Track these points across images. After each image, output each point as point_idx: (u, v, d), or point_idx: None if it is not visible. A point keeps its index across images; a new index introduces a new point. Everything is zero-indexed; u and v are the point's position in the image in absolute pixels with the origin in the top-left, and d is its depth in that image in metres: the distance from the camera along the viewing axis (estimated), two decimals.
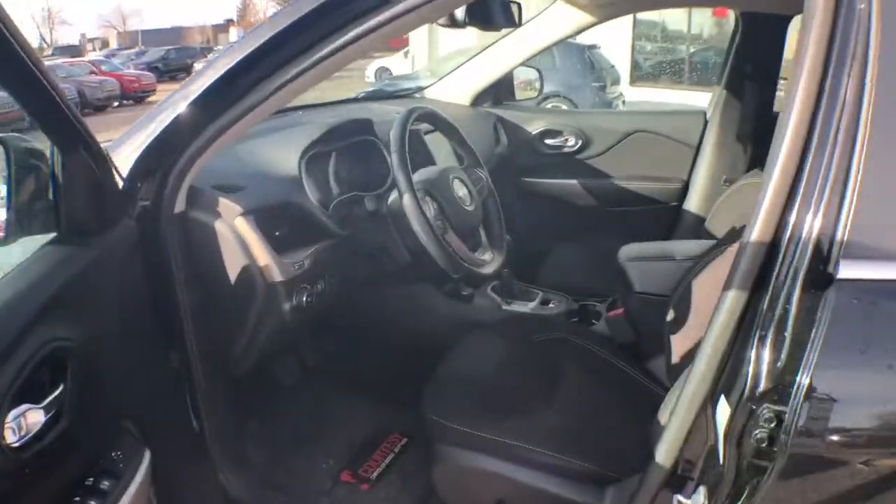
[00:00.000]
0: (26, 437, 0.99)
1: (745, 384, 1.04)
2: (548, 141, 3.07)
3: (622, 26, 13.62)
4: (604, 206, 3.03)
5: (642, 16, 14.24)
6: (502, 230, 2.03)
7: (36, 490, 1.05)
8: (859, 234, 1.01)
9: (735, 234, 1.83)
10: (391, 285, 2.17)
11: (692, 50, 14.82)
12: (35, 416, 1.00)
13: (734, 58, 2.76)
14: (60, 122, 1.10)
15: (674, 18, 15.08)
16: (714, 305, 1.67)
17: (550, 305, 2.31)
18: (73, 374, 1.08)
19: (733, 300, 1.12)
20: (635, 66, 14.65)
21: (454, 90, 3.07)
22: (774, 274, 1.06)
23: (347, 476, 1.97)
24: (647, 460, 1.28)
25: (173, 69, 28.76)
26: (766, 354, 1.03)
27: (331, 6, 1.28)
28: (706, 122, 2.90)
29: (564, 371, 1.80)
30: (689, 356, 1.71)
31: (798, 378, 0.96)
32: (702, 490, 1.16)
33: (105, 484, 1.12)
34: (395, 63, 25.41)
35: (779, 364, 1.02)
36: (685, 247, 2.08)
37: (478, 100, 3.07)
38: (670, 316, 1.82)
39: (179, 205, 1.47)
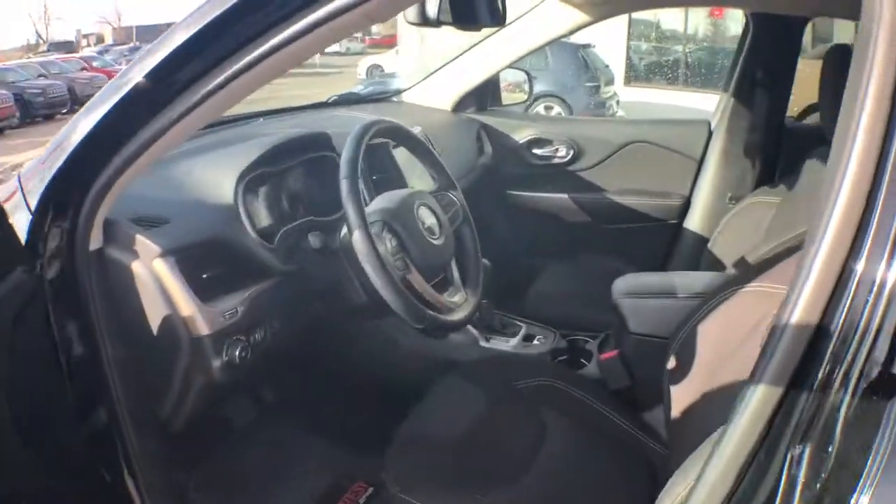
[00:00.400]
0: None
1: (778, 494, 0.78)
2: (536, 151, 2.80)
3: (617, 25, 13.34)
4: (597, 224, 2.76)
5: (637, 15, 13.94)
6: (479, 265, 1.74)
7: None
8: None
9: (748, 271, 1.57)
10: (346, 325, 1.91)
11: (688, 50, 14.57)
12: None
13: (743, 62, 2.51)
14: None
15: (669, 18, 14.82)
16: (721, 355, 1.42)
17: (535, 342, 2.04)
18: None
19: (761, 398, 0.84)
20: (630, 65, 14.38)
21: (435, 94, 2.80)
22: (820, 369, 0.79)
23: None
24: None
25: None
26: (802, 475, 0.76)
27: None
28: (710, 133, 2.64)
29: (550, 425, 1.56)
30: (692, 412, 1.48)
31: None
32: None
33: None
34: (388, 60, 25.20)
35: (818, 489, 0.75)
36: (689, 281, 1.81)
37: (460, 105, 2.81)
38: (671, 363, 1.57)
39: (95, 241, 1.22)
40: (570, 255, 2.72)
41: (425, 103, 2.81)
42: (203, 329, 1.34)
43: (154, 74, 1.06)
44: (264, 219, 1.57)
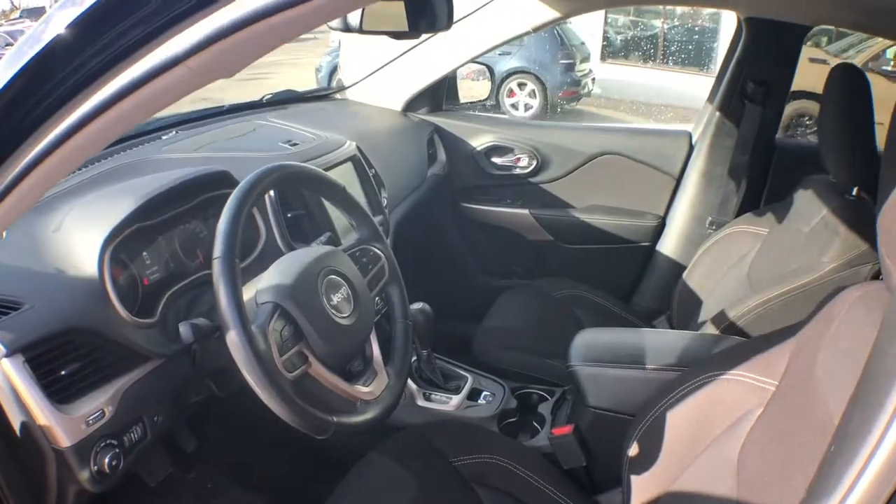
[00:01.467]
0: None
1: None
2: (495, 159, 2.50)
3: None
4: (560, 244, 2.48)
5: None
6: (408, 336, 1.40)
7: None
8: None
9: (731, 353, 1.29)
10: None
11: (666, 27, 14.24)
12: None
13: (733, 70, 2.22)
14: None
15: None
16: (693, 449, 1.19)
17: (481, 401, 1.76)
18: None
19: None
20: (607, 41, 14.01)
21: (384, 91, 2.48)
22: None
23: None
24: None
25: None
26: None
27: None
28: (692, 147, 2.35)
29: None
30: None
31: None
32: None
33: None
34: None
35: None
36: (661, 345, 1.53)
37: (412, 104, 2.48)
38: (633, 450, 1.31)
39: None
40: (528, 279, 2.44)
41: (373, 102, 2.49)
42: (62, 441, 1.07)
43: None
44: (145, 284, 1.26)
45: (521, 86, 10.64)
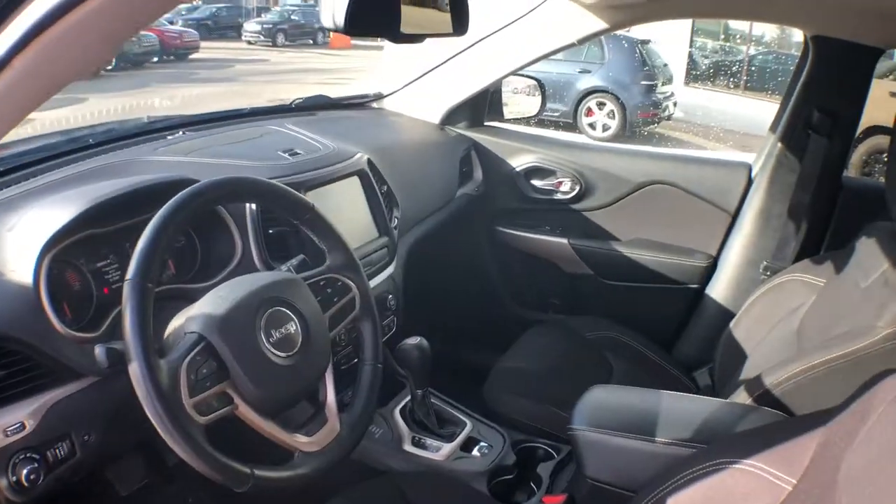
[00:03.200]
0: None
1: None
2: (536, 182, 2.31)
3: (680, 21, 12.65)
4: (600, 278, 2.27)
5: None
6: (376, 379, 1.23)
7: None
8: None
9: (749, 440, 1.09)
10: None
11: (752, 52, 13.79)
12: None
13: (798, 97, 1.98)
14: None
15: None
16: None
17: (475, 453, 1.57)
18: None
19: None
20: (691, 65, 13.63)
21: (423, 102, 2.32)
22: None
23: None
24: None
25: (222, 27, 28.44)
26: None
27: None
28: (750, 181, 2.12)
29: None
30: None
31: None
32: None
33: None
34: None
35: None
36: (677, 417, 1.32)
37: (451, 118, 2.32)
38: None
39: None
40: (563, 313, 2.24)
41: (410, 112, 2.33)
42: None
43: None
44: (104, 293, 1.16)
45: (601, 105, 10.44)
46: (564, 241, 2.26)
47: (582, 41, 2.02)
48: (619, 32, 9.08)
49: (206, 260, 1.34)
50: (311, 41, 27.86)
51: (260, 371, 1.01)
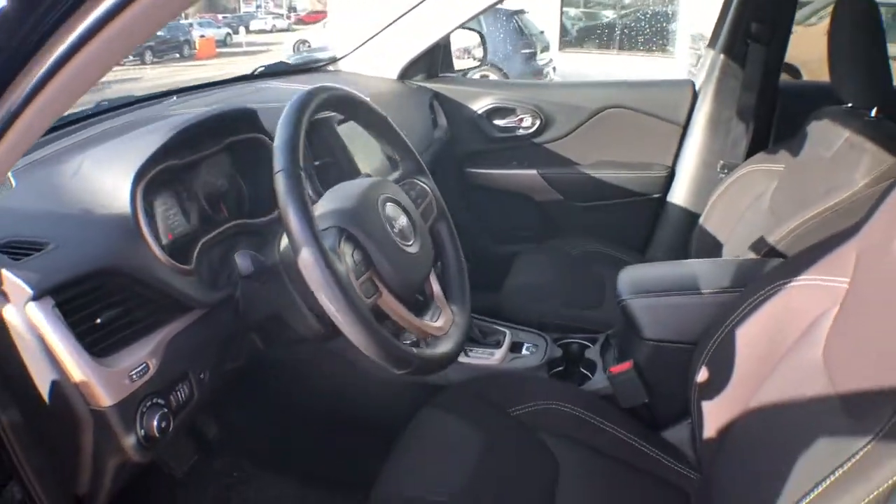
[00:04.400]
0: None
1: None
2: (498, 121, 2.46)
3: None
4: (570, 202, 2.45)
5: None
6: (463, 273, 1.36)
7: None
8: None
9: (789, 262, 1.26)
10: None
11: (620, 13, 14.49)
12: None
13: (735, 12, 2.20)
14: None
15: None
16: (766, 362, 1.14)
17: (524, 352, 1.70)
18: None
19: None
20: (564, 31, 14.15)
21: (377, 60, 2.42)
22: None
23: None
24: None
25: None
26: None
27: None
28: (696, 94, 2.33)
29: (561, 458, 1.29)
30: (729, 430, 1.21)
31: None
32: None
33: None
34: (315, 35, 24.71)
35: None
36: (710, 272, 1.50)
37: (408, 72, 2.43)
38: (701, 376, 1.27)
39: None
40: (542, 240, 2.40)
41: (367, 72, 2.43)
42: (103, 399, 0.96)
43: None
44: (175, 231, 1.18)
45: (483, 77, 10.65)
46: (533, 171, 2.43)
47: None
48: None
49: (256, 199, 1.40)
50: (177, 55, 27.75)
51: (397, 258, 1.09)
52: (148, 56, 25.92)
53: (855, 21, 1.58)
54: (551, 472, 1.26)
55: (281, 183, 0.96)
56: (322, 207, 1.08)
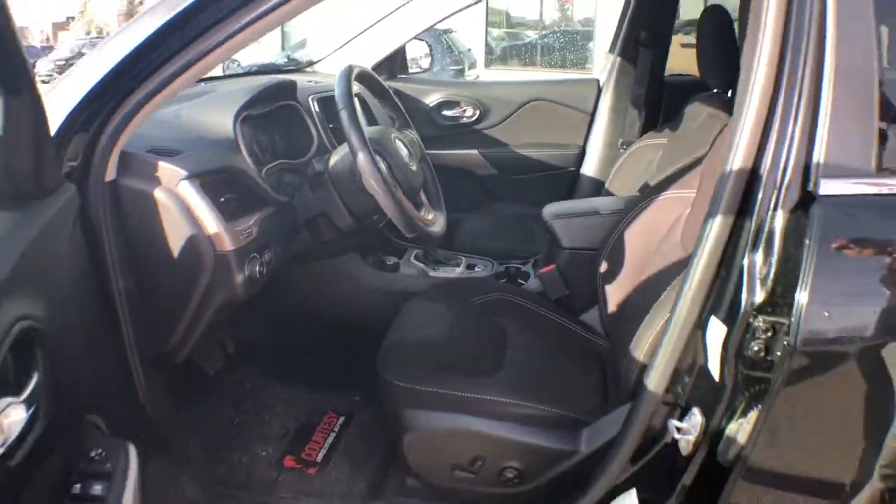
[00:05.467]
0: (9, 441, 0.85)
1: (741, 302, 1.08)
2: (445, 112, 3.06)
3: (474, 13, 13.85)
4: (504, 175, 3.05)
5: (492, 4, 14.74)
6: (439, 190, 1.99)
7: None
8: (834, 155, 1.07)
9: (655, 186, 1.89)
10: (315, 260, 2.09)
11: (541, 33, 15.34)
12: (17, 413, 0.86)
13: (628, 25, 2.85)
14: (8, 55, 0.93)
15: (521, 6, 15.64)
16: (647, 253, 1.74)
17: (477, 269, 2.31)
18: (44, 361, 0.95)
19: (719, 227, 1.16)
20: (489, 49, 14.95)
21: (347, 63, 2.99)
22: (758, 199, 1.10)
23: (291, 462, 1.87)
24: (638, 392, 1.30)
25: None
26: (759, 272, 1.07)
27: None
28: (600, 89, 2.98)
29: (509, 329, 1.82)
30: (625, 305, 1.76)
31: (797, 289, 1.01)
32: (696, 412, 1.20)
33: (97, 488, 1.00)
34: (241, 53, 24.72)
35: (770, 279, 1.06)
36: (606, 202, 2.13)
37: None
38: (603, 268, 1.86)
39: (111, 173, 1.33)
40: (484, 204, 3.01)
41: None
42: (228, 245, 1.48)
43: (179, 18, 1.23)
44: (251, 156, 1.74)
45: None
46: (475, 151, 3.02)
47: (468, 7, 2.81)
48: None
49: (290, 149, 1.97)
50: None
51: (405, 169, 1.70)
52: None
53: (715, 28, 2.10)
54: (502, 337, 1.80)
55: (344, 116, 1.56)
56: (366, 135, 1.67)
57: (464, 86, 3.15)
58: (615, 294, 1.84)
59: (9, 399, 0.85)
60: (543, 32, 15.33)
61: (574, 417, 1.50)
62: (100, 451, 1.07)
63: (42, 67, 25.75)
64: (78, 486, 1.01)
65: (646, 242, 1.78)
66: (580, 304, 2.05)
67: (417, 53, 3.43)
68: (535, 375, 1.65)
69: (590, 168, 2.96)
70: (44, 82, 21.71)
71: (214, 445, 1.90)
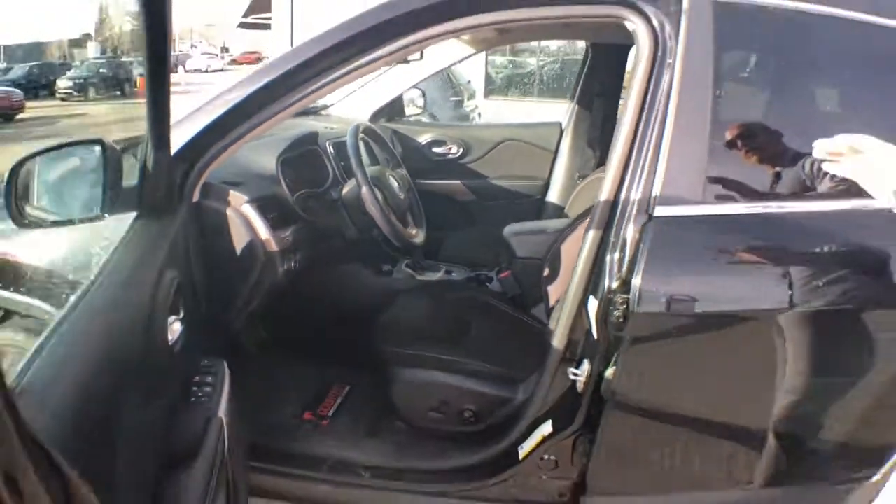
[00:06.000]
0: (173, 339, 1.49)
1: (606, 286, 1.71)
2: (435, 149, 3.71)
3: None
4: (482, 201, 3.69)
5: None
6: (422, 214, 2.64)
7: (172, 380, 1.53)
8: (667, 191, 1.69)
9: (586, 214, 2.53)
10: (330, 267, 2.73)
11: (541, 62, 15.97)
12: (177, 325, 1.50)
13: (585, 79, 3.50)
14: (162, 126, 1.55)
15: None
16: (573, 261, 2.36)
17: (453, 275, 2.95)
18: (185, 304, 1.59)
19: (593, 237, 1.80)
20: (489, 80, 15.64)
21: (355, 108, 3.64)
22: (616, 220, 1.73)
23: (309, 415, 2.47)
24: (544, 352, 1.93)
25: (36, 86, 27.48)
26: (616, 267, 1.70)
27: (340, 45, 1.82)
28: (562, 131, 3.62)
29: (477, 316, 2.45)
30: (562, 298, 2.38)
31: (635, 276, 1.64)
32: (586, 362, 1.83)
33: (208, 380, 1.62)
34: None
35: (624, 270, 1.69)
36: (553, 223, 2.77)
37: (376, 116, 3.67)
38: (545, 273, 2.49)
39: (196, 196, 1.93)
40: (464, 226, 3.64)
41: (348, 116, 3.64)
42: (274, 247, 2.10)
43: (283, 77, 1.83)
44: (289, 185, 2.38)
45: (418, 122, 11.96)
46: (458, 182, 3.67)
47: (461, 61, 3.45)
48: None
49: (313, 181, 2.61)
50: (118, 92, 27.70)
51: (395, 198, 2.37)
52: (91, 92, 26.24)
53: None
54: (468, 321, 2.41)
55: (353, 161, 2.23)
56: (368, 174, 2.32)
57: (450, 127, 3.82)
58: (553, 292, 2.46)
59: (174, 317, 1.49)
60: (543, 61, 15.97)
61: (514, 375, 2.14)
62: (208, 362, 1.69)
63: (61, 84, 26.37)
64: (198, 378, 1.61)
65: (574, 252, 2.40)
66: (531, 301, 2.68)
67: (413, 96, 4.10)
68: (490, 346, 2.28)
69: (553, 196, 3.59)
70: (62, 99, 21.90)
71: (251, 402, 2.51)
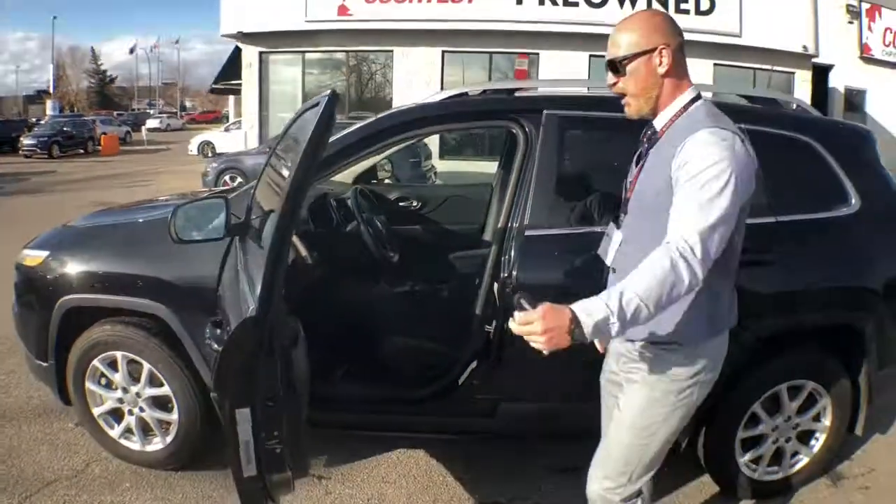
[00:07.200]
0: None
1: (503, 275, 3.10)
2: (402, 203, 5.11)
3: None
4: (436, 239, 5.05)
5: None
6: (395, 243, 4.02)
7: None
8: (532, 222, 3.11)
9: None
10: (340, 273, 4.08)
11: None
12: None
13: (506, 153, 4.93)
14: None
15: None
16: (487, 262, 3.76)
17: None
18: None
19: (495, 248, 3.21)
20: (443, 142, 17.18)
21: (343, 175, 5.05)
22: (506, 237, 3.15)
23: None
24: (472, 319, 3.32)
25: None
26: (506, 264, 3.10)
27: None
28: (492, 189, 5.04)
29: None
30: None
31: (512, 269, 3.05)
32: (494, 321, 3.21)
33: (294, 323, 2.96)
34: (216, 137, 26.59)
35: (511, 266, 3.09)
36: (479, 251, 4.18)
37: (357, 180, 5.08)
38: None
39: None
40: (422, 259, 5.02)
41: (337, 178, 5.03)
42: (309, 260, 3.43)
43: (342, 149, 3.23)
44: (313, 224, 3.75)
45: (380, 181, 13.38)
46: (418, 227, 5.05)
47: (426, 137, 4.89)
48: None
49: (323, 222, 3.99)
50: (82, 150, 28.72)
51: (378, 233, 3.76)
52: (55, 150, 26.92)
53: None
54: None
55: (355, 212, 3.63)
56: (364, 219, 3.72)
57: (412, 188, 5.24)
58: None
59: None
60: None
61: (457, 336, 3.51)
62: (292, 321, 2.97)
63: (26, 142, 26.74)
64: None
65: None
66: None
67: (384, 163, 5.54)
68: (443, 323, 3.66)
69: (487, 236, 4.97)
70: (26, 156, 22.60)
71: None
